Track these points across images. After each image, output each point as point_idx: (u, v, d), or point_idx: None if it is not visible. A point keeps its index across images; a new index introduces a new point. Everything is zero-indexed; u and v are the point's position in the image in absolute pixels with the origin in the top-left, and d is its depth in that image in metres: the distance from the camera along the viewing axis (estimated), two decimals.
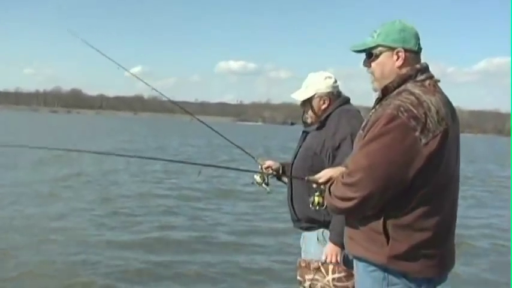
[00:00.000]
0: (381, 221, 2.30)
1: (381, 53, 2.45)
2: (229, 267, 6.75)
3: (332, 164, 3.18)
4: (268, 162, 3.81)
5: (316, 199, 2.83)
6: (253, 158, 3.94)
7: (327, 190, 2.52)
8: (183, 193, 12.68)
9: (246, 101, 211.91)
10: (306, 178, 2.91)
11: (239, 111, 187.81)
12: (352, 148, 2.77)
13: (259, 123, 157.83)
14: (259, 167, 3.82)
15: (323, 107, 3.48)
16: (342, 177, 2.38)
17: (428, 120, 2.21)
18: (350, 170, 2.32)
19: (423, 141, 2.20)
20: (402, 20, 2.49)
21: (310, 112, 3.54)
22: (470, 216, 11.27)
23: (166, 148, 29.12)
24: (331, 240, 3.16)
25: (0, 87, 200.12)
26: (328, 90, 3.49)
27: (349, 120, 3.29)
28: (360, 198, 2.27)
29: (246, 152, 4.05)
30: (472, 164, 27.71)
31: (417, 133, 2.19)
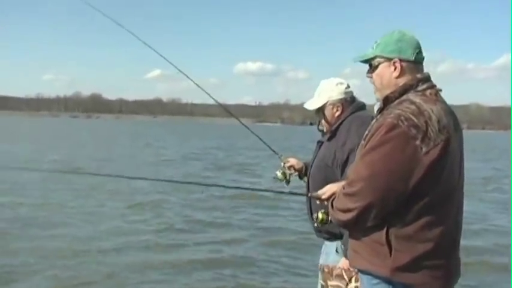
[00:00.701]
0: (384, 232, 2.26)
1: (379, 63, 2.46)
2: None
3: (342, 176, 3.14)
4: (292, 161, 3.81)
5: (320, 216, 2.82)
6: (277, 154, 3.93)
7: (329, 204, 2.51)
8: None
9: (265, 102, 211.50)
10: (309, 194, 2.98)
11: (258, 113, 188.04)
12: None
13: (278, 124, 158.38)
14: (282, 164, 3.83)
15: (336, 114, 3.40)
16: (343, 188, 2.37)
17: (429, 129, 2.19)
18: (350, 180, 2.31)
19: (424, 150, 2.18)
20: (402, 30, 2.50)
21: (323, 120, 3.48)
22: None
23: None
24: (344, 255, 3.05)
25: (21, 94, 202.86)
26: (341, 96, 3.40)
27: (358, 130, 3.13)
28: (360, 209, 2.25)
29: (272, 149, 4.03)
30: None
31: (418, 142, 2.18)
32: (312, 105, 3.48)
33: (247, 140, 31.38)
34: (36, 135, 41.22)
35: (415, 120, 2.19)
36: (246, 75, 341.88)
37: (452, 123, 2.29)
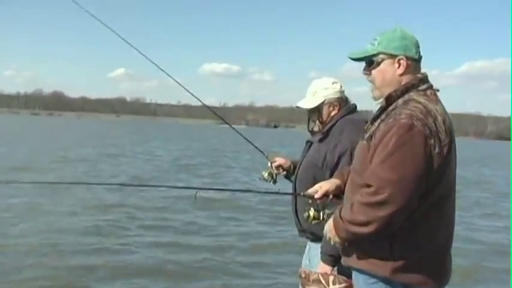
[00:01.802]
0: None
1: (382, 60, 2.43)
2: None
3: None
4: (279, 160, 3.74)
5: (311, 214, 2.81)
6: (264, 154, 3.86)
7: (337, 218, 2.39)
8: None
9: (230, 104, 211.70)
10: (301, 194, 2.96)
11: (223, 114, 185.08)
12: (351, 161, 2.74)
13: (243, 126, 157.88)
14: (269, 164, 3.77)
15: (333, 113, 3.38)
16: (362, 196, 2.27)
17: (438, 129, 2.23)
18: (376, 187, 2.21)
19: (436, 149, 2.22)
20: (403, 28, 2.49)
21: (317, 120, 3.44)
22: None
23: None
24: (322, 259, 3.01)
25: None
26: (338, 95, 3.38)
27: (351, 133, 3.14)
28: (393, 215, 2.19)
29: (258, 149, 3.95)
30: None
31: (432, 141, 2.20)
32: (307, 104, 3.41)
33: (222, 142, 31.05)
34: None
35: (426, 120, 2.21)
36: (211, 77, 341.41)
37: (451, 124, 2.33)
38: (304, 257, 3.51)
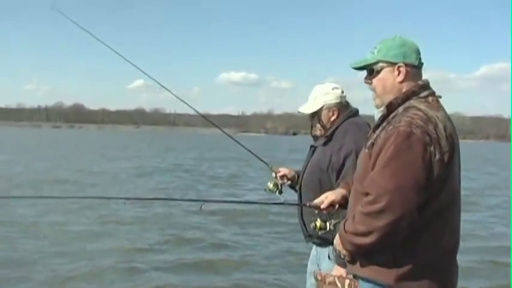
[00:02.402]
0: None
1: (382, 68, 2.44)
2: None
3: (337, 180, 3.20)
4: (284, 170, 3.76)
5: (318, 224, 2.84)
6: (268, 165, 3.88)
7: (342, 231, 2.41)
8: None
9: (248, 112, 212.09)
10: (307, 204, 2.99)
11: (241, 123, 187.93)
12: (356, 164, 2.71)
13: (262, 134, 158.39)
14: (274, 174, 3.77)
15: (332, 118, 3.41)
16: (361, 207, 2.26)
17: (438, 136, 2.21)
18: (374, 196, 2.21)
19: (437, 156, 2.20)
20: (402, 35, 2.48)
21: (318, 125, 3.47)
22: None
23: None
24: (337, 262, 3.03)
25: (1, 104, 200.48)
26: (337, 101, 3.41)
27: (355, 135, 3.20)
28: (392, 224, 2.17)
29: (262, 160, 3.98)
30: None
31: (432, 148, 2.19)
32: (307, 109, 3.46)
33: (230, 151, 31.30)
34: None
35: (425, 127, 2.20)
36: (229, 85, 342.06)
37: (454, 130, 2.32)
38: (309, 262, 3.56)
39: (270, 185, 3.74)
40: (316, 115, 3.45)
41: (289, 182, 3.73)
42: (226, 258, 8.01)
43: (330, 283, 2.90)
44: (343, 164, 3.19)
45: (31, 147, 37.06)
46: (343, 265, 2.93)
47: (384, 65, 2.45)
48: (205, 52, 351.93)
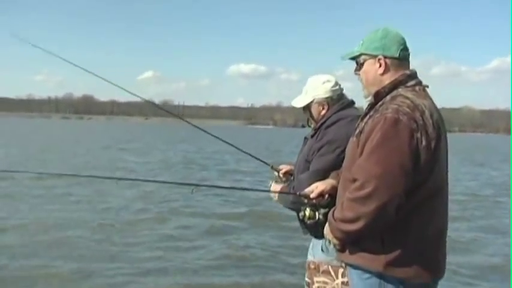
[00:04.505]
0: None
1: (364, 61, 2.51)
2: None
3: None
4: (285, 168, 3.74)
5: (307, 213, 2.83)
6: (268, 165, 3.86)
7: (331, 218, 2.43)
8: None
9: (257, 104, 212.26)
10: (297, 193, 2.98)
11: (250, 115, 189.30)
12: (329, 154, 2.87)
13: (270, 127, 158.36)
14: (276, 174, 3.76)
15: (322, 112, 3.39)
16: (349, 193, 2.30)
17: (425, 123, 2.23)
18: (361, 182, 2.23)
19: (423, 143, 2.22)
20: (387, 27, 2.52)
21: (310, 118, 3.48)
22: None
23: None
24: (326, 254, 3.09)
25: (12, 95, 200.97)
26: (327, 95, 3.38)
27: (339, 127, 3.19)
28: (379, 209, 2.19)
29: (262, 160, 3.99)
30: None
31: (418, 135, 2.21)
32: (298, 103, 3.48)
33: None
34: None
35: (412, 114, 2.23)
36: (239, 77, 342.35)
37: (440, 118, 2.34)
38: (308, 255, 3.51)
39: (273, 184, 3.65)
40: (307, 109, 3.45)
41: (292, 178, 3.65)
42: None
43: (323, 271, 2.94)
44: (319, 150, 3.21)
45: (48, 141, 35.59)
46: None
47: (367, 57, 2.51)
48: (215, 44, 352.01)
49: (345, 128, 3.10)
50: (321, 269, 2.94)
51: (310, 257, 3.39)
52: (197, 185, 3.28)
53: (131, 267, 6.70)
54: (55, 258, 6.92)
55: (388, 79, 2.44)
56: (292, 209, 3.27)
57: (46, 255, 7.07)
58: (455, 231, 9.06)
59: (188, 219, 9.92)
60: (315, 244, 3.33)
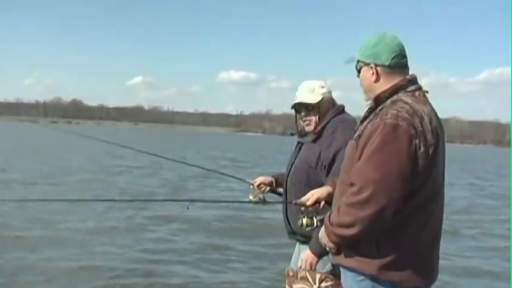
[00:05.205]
0: None
1: (361, 67, 2.55)
2: None
3: (327, 177, 3.15)
4: (259, 179, 3.74)
5: (305, 221, 2.83)
6: (243, 180, 3.89)
7: (327, 222, 2.44)
8: None
9: (247, 112, 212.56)
10: (293, 202, 3.04)
11: (239, 122, 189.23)
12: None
13: (259, 134, 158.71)
14: (251, 186, 3.73)
15: (330, 111, 3.41)
16: (346, 198, 2.30)
17: (424, 129, 2.25)
18: (359, 187, 2.25)
19: (422, 149, 2.24)
20: (384, 33, 2.53)
21: (315, 118, 3.40)
22: None
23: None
24: (310, 246, 3.07)
25: (0, 98, 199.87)
26: (331, 95, 3.46)
27: (344, 131, 3.16)
28: (376, 214, 2.21)
29: (236, 177, 4.05)
30: None
31: (417, 141, 2.23)
32: (311, 99, 3.38)
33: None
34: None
35: (411, 120, 2.25)
36: (229, 84, 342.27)
37: (439, 124, 2.37)
38: (292, 259, 3.54)
39: (252, 197, 3.67)
40: (316, 107, 3.39)
41: (268, 188, 3.73)
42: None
43: (301, 278, 2.94)
44: (333, 161, 3.17)
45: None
46: (315, 252, 3.01)
47: (362, 64, 2.54)
48: (205, 51, 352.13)
49: (350, 130, 3.00)
50: (299, 276, 2.96)
51: (292, 263, 3.41)
52: (192, 201, 3.26)
53: None
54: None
55: (379, 87, 2.47)
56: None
57: None
58: None
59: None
60: (302, 249, 3.29)
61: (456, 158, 46.87)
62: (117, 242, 8.34)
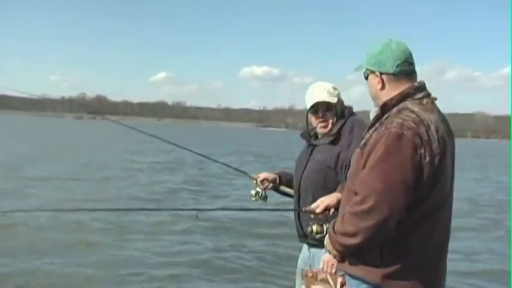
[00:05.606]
0: None
1: (367, 75, 2.52)
2: None
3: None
4: (263, 175, 3.68)
5: (315, 228, 2.86)
6: (246, 174, 3.83)
7: (331, 231, 2.43)
8: None
9: (269, 107, 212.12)
10: (303, 209, 3.04)
11: (262, 117, 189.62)
12: None
13: (282, 129, 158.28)
14: (254, 182, 3.69)
15: (345, 111, 3.38)
16: (350, 207, 2.29)
17: (430, 138, 2.21)
18: (362, 196, 2.23)
19: (427, 159, 2.20)
20: (390, 40, 2.49)
21: (332, 119, 3.34)
22: None
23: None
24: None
25: (27, 94, 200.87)
26: (342, 98, 3.43)
27: (360, 131, 3.05)
28: (378, 225, 2.19)
29: (239, 170, 3.97)
30: None
31: (422, 150, 2.19)
32: (329, 98, 3.34)
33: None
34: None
35: (417, 129, 2.21)
36: (251, 80, 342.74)
37: (447, 131, 2.32)
38: (300, 262, 3.51)
39: (253, 193, 3.65)
40: (334, 107, 3.34)
41: (271, 185, 3.66)
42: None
43: (321, 280, 2.90)
44: None
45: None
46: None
47: (368, 72, 2.51)
48: (228, 46, 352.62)
49: (364, 131, 3.11)
50: (319, 277, 2.93)
51: (305, 266, 3.33)
52: (200, 210, 3.27)
53: None
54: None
55: (386, 95, 2.43)
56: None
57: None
58: None
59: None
60: (315, 253, 3.31)
61: (481, 152, 46.23)
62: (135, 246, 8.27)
